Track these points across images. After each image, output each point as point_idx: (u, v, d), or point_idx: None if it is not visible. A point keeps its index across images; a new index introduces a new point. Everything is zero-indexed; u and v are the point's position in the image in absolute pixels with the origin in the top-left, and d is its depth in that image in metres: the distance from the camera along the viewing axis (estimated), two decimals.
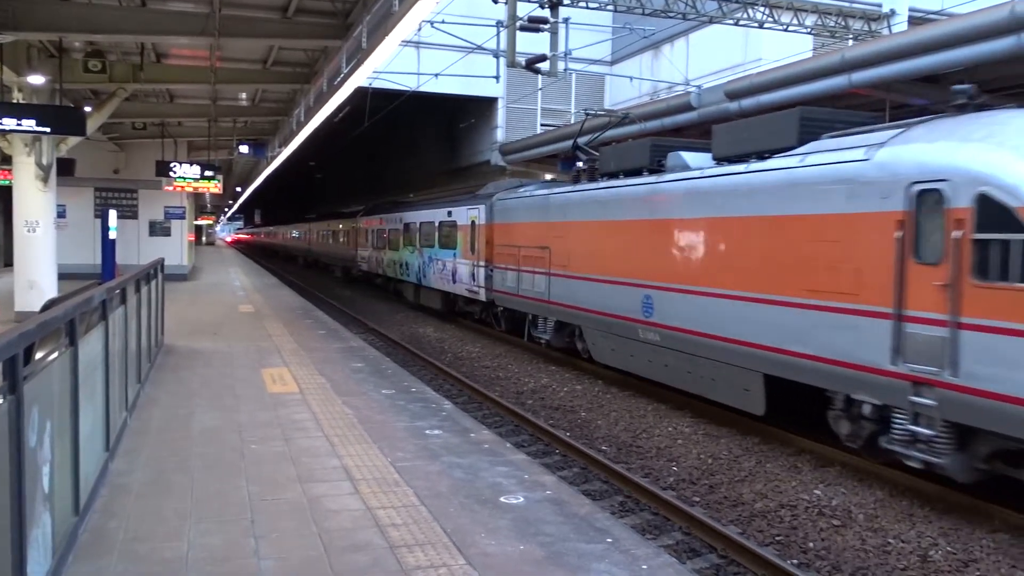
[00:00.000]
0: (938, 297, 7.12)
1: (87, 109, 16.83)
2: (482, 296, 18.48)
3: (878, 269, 7.76)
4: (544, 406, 12.23)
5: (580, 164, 15.33)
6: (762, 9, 19.03)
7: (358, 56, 12.74)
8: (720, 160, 10.70)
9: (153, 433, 7.30)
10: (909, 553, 6.71)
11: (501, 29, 17.70)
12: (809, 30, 19.75)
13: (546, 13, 16.12)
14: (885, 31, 20.04)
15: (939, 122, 7.87)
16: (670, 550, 6.70)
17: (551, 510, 5.49)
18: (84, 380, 4.94)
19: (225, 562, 4.50)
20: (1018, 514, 7.14)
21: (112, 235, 23.35)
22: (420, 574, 4.38)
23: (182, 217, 28.08)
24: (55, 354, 4.40)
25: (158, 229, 27.57)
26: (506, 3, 16.43)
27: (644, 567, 4.60)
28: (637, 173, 12.56)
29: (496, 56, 18.78)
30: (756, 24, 19.26)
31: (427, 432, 7.56)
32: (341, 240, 37.68)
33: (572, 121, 28.95)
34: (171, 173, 23.97)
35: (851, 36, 19.90)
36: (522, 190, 17.47)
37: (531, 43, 17.11)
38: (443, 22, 18.53)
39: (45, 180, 15.71)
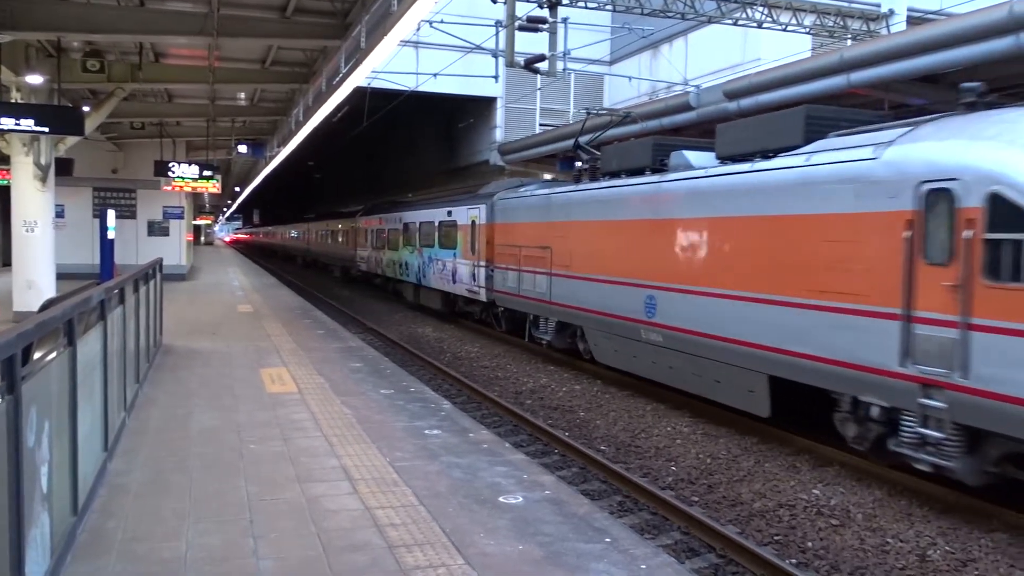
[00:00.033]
0: (948, 298, 7.01)
1: (85, 109, 16.80)
2: (482, 296, 18.41)
3: (886, 269, 7.65)
4: (543, 406, 12.23)
5: (579, 164, 15.32)
6: (761, 9, 19.04)
7: (357, 56, 12.74)
8: (724, 159, 10.60)
9: (151, 433, 7.30)
10: (908, 552, 6.72)
11: (500, 29, 17.72)
12: (808, 30, 19.76)
13: (545, 13, 16.13)
14: (884, 31, 20.06)
15: (948, 120, 7.76)
16: (669, 550, 6.70)
17: (550, 510, 5.49)
18: (82, 380, 4.93)
19: (224, 562, 4.49)
20: (1017, 514, 7.15)
21: (110, 235, 23.31)
22: (419, 574, 4.38)
23: (180, 217, 28.06)
24: (53, 354, 4.40)
25: (156, 229, 27.55)
26: (505, 3, 16.43)
27: (643, 567, 4.60)
28: (639, 172, 12.48)
29: (495, 56, 18.81)
30: (755, 24, 19.27)
31: (426, 432, 7.56)
32: (340, 240, 37.66)
33: (571, 121, 28.97)
34: (169, 173, 23.94)
35: (850, 36, 19.92)
36: (523, 190, 17.39)
37: (530, 43, 17.12)
38: (442, 22, 18.56)
39: (43, 180, 15.70)
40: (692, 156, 11.33)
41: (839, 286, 8.21)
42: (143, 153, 26.16)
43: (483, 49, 19.37)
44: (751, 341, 9.46)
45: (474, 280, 18.90)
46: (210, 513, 5.25)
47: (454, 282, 20.40)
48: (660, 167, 12.02)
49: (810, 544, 7.00)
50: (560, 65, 16.67)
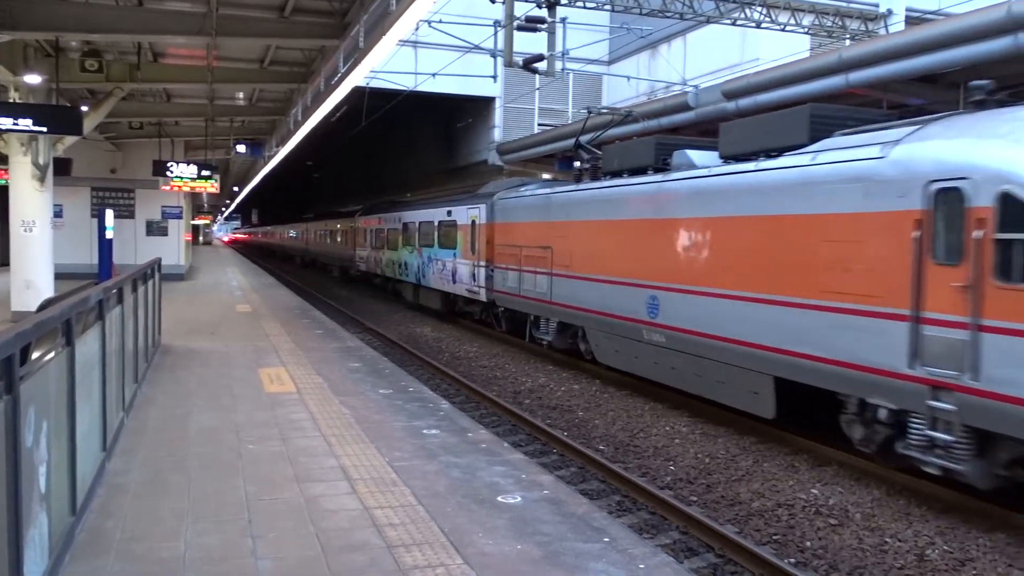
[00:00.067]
0: (958, 299, 6.90)
1: (84, 109, 16.78)
2: (482, 296, 18.35)
3: (894, 270, 7.53)
4: (541, 405, 12.23)
5: (578, 164, 15.31)
6: (759, 9, 19.05)
7: (355, 56, 12.73)
8: (727, 158, 10.52)
9: (150, 433, 7.30)
10: (906, 552, 6.72)
11: (498, 29, 17.71)
12: (806, 30, 19.77)
13: (543, 13, 16.12)
14: (882, 31, 20.07)
15: (957, 119, 7.66)
16: (667, 549, 6.71)
17: (548, 509, 5.49)
18: (81, 380, 4.93)
19: (222, 562, 4.49)
20: (1015, 513, 7.15)
21: (109, 235, 23.32)
22: (418, 574, 4.38)
23: (179, 217, 28.04)
24: (52, 354, 4.40)
25: (155, 229, 27.52)
26: (503, 3, 16.44)
27: (641, 566, 4.61)
28: (642, 172, 12.40)
29: (493, 56, 18.81)
30: (753, 24, 19.28)
31: (424, 432, 7.56)
32: (339, 240, 37.64)
33: (569, 121, 28.97)
34: (168, 173, 23.92)
35: (848, 36, 19.93)
36: (523, 189, 17.31)
37: (528, 43, 17.11)
38: (440, 21, 18.57)
39: (42, 180, 15.68)
40: (695, 155, 11.24)
41: (846, 287, 8.10)
42: (141, 153, 26.14)
43: (482, 49, 19.38)
44: (755, 342, 9.35)
45: (474, 280, 18.84)
46: (209, 513, 5.25)
47: (454, 282, 20.35)
48: (663, 166, 11.94)
49: (808, 544, 7.00)
50: (559, 65, 16.67)
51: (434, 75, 22.55)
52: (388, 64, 19.99)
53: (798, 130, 9.31)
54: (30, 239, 15.65)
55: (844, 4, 20.98)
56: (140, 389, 8.98)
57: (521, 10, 16.67)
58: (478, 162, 30.92)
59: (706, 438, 10.08)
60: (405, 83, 23.79)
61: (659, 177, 11.62)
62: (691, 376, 10.75)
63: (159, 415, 7.98)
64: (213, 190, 25.87)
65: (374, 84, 23.07)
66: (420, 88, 23.60)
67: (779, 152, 9.48)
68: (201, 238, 70.83)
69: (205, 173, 24.27)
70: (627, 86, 27.75)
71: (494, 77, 20.98)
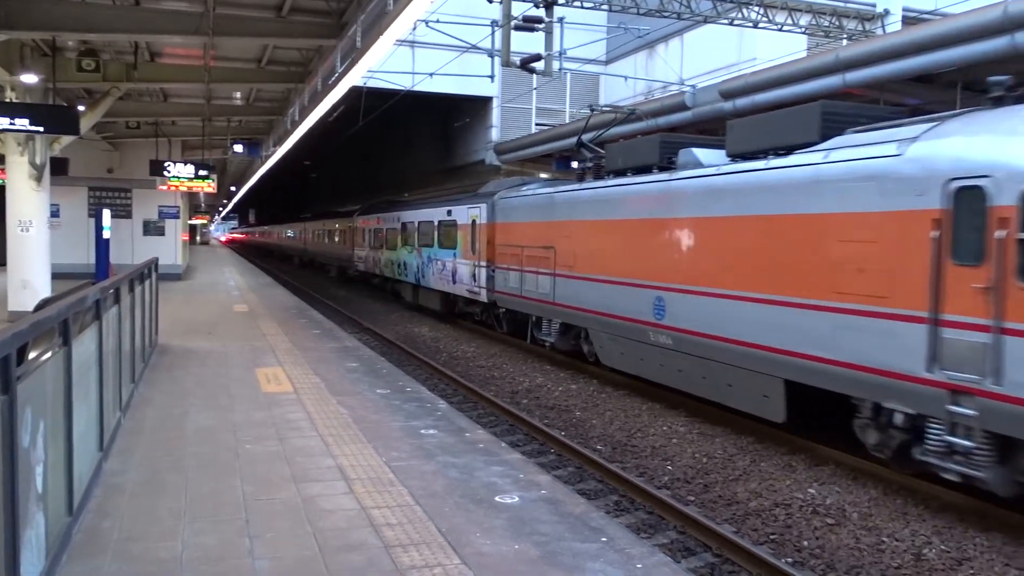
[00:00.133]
0: (979, 300, 6.69)
1: (80, 108, 16.75)
2: (483, 297, 18.22)
3: (912, 270, 7.31)
4: (539, 405, 12.23)
5: (576, 164, 15.28)
6: (757, 9, 19.06)
7: (352, 55, 12.72)
8: (735, 157, 10.33)
9: (147, 433, 7.29)
10: (903, 551, 6.73)
11: (496, 28, 17.71)
12: (804, 30, 19.78)
13: (541, 12, 16.12)
14: (879, 31, 20.09)
15: (976, 115, 7.44)
16: (665, 549, 6.71)
17: (546, 509, 5.49)
18: (78, 380, 4.92)
19: (220, 562, 4.49)
20: (1012, 513, 7.16)
21: (106, 235, 23.27)
22: (415, 574, 4.38)
23: (176, 216, 28.00)
24: (48, 354, 4.39)
25: (152, 228, 27.49)
26: (501, 2, 16.43)
27: (639, 566, 4.61)
28: (646, 171, 12.18)
29: (491, 55, 18.80)
30: (751, 24, 19.29)
31: (422, 432, 7.56)
32: (337, 240, 37.60)
33: (567, 120, 28.99)
34: (165, 172, 23.92)
35: (845, 36, 19.95)
36: (525, 188, 17.15)
37: (526, 42, 17.10)
38: (438, 21, 18.56)
39: (38, 179, 15.66)
40: (701, 154, 11.05)
41: (861, 288, 7.89)
42: (139, 152, 26.11)
43: (479, 49, 19.39)
44: (765, 344, 9.14)
45: (475, 280, 18.74)
46: (206, 513, 5.25)
47: (454, 282, 20.26)
48: (668, 165, 11.74)
49: (806, 543, 7.01)
50: (556, 65, 16.65)
51: (431, 75, 22.55)
52: (385, 64, 19.96)
53: (809, 128, 9.09)
54: (27, 239, 15.63)
55: (841, 4, 21.00)
56: (137, 389, 8.97)
57: (518, 10, 16.68)
58: (475, 162, 30.93)
59: (704, 438, 10.08)
60: (402, 83, 23.78)
61: (665, 176, 11.38)
62: (698, 379, 10.56)
63: (156, 415, 7.97)
64: (210, 190, 25.87)
65: (371, 84, 23.07)
66: (417, 88, 23.61)
67: (789, 150, 9.29)
68: (198, 238, 70.71)
69: (202, 173, 24.27)
70: (624, 86, 27.76)
71: (491, 77, 20.96)
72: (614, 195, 12.66)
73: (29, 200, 15.61)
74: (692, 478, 8.76)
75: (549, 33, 16.11)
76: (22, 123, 13.37)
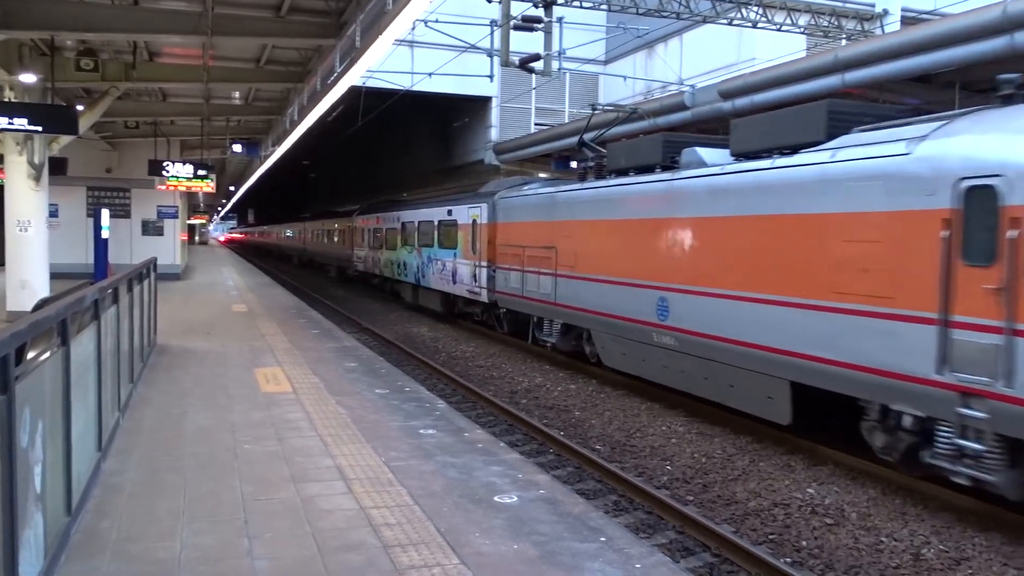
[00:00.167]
0: (990, 301, 6.57)
1: (79, 108, 16.74)
2: (484, 297, 18.14)
3: (921, 271, 7.20)
4: (538, 405, 12.23)
5: (574, 164, 15.26)
6: (756, 9, 19.07)
7: (351, 55, 12.72)
8: (739, 156, 10.22)
9: (146, 433, 7.28)
10: (902, 551, 6.74)
11: (495, 28, 17.71)
12: (802, 30, 19.80)
13: (540, 12, 16.13)
14: (878, 31, 20.11)
15: (985, 113, 7.34)
16: (664, 549, 6.71)
17: (545, 509, 5.49)
18: (76, 380, 4.92)
19: (218, 562, 4.49)
20: (1010, 513, 7.16)
21: (104, 234, 23.26)
22: (414, 574, 4.38)
23: (175, 216, 27.99)
24: (47, 354, 4.39)
25: (151, 228, 27.47)
26: (500, 2, 16.44)
27: (638, 566, 4.61)
28: (649, 170, 12.07)
29: (490, 55, 18.80)
30: (750, 24, 19.31)
31: (421, 432, 7.55)
32: (336, 240, 37.58)
33: (566, 120, 29.00)
34: (164, 172, 23.91)
35: (844, 36, 19.96)
36: (526, 188, 17.05)
37: (525, 42, 17.10)
38: (437, 21, 18.55)
39: (37, 179, 15.66)
40: (705, 153, 10.97)
41: (868, 288, 7.78)
42: (137, 152, 26.10)
43: (478, 48, 19.38)
44: (771, 345, 9.02)
45: (475, 281, 18.66)
46: (205, 513, 5.25)
47: (454, 283, 20.19)
48: (671, 164, 11.65)
49: (804, 543, 7.01)
50: (555, 65, 16.66)
51: (430, 75, 22.55)
52: (384, 64, 19.96)
53: (815, 127, 8.98)
54: (25, 239, 15.62)
55: (840, 4, 21.02)
56: (136, 389, 8.97)
57: (517, 10, 16.68)
58: (474, 161, 30.93)
59: (702, 438, 10.09)
60: (401, 83, 23.78)
61: (668, 175, 11.28)
62: (701, 380, 10.46)
63: (155, 415, 7.96)
64: (209, 190, 25.86)
65: (370, 84, 23.07)
66: (416, 88, 23.60)
67: (794, 149, 9.18)
68: (197, 238, 70.69)
69: (201, 173, 24.26)
70: (623, 86, 27.77)
71: (490, 77, 20.95)
72: (617, 195, 12.54)
73: (28, 200, 15.61)
74: (691, 478, 8.76)
75: (548, 33, 16.12)
76: (21, 123, 13.36)
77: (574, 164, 23.84)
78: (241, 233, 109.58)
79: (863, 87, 13.98)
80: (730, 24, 19.54)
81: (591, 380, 13.67)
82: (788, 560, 6.67)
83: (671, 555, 6.63)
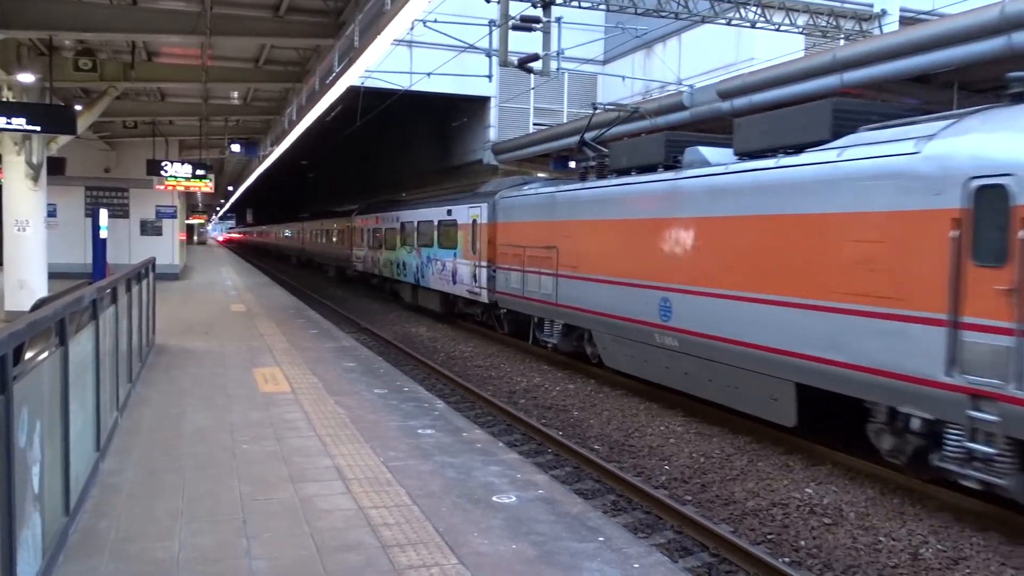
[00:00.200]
0: (1001, 302, 6.48)
1: (77, 108, 16.76)
2: (484, 298, 18.07)
3: (930, 271, 7.09)
4: (536, 405, 12.23)
5: (574, 163, 15.24)
6: (754, 9, 19.09)
7: (350, 55, 12.72)
8: (743, 155, 10.13)
9: (144, 433, 7.28)
10: (900, 551, 6.74)
11: (494, 28, 17.71)
12: (801, 30, 19.82)
13: (538, 12, 16.14)
14: (876, 31, 20.13)
15: (995, 112, 7.21)
16: (662, 548, 6.71)
17: (543, 509, 5.49)
18: (74, 380, 4.92)
19: (217, 562, 4.49)
20: (1008, 512, 7.17)
21: (103, 234, 23.26)
22: (413, 573, 4.38)
23: (173, 216, 27.97)
24: (45, 354, 4.38)
25: (149, 228, 27.45)
26: (499, 2, 16.45)
27: (636, 566, 4.61)
28: (651, 169, 11.95)
29: (489, 55, 18.79)
30: (748, 24, 19.32)
31: (419, 431, 7.55)
32: (335, 240, 37.56)
33: (565, 120, 29.01)
34: (162, 172, 23.89)
35: (842, 36, 19.99)
36: (527, 188, 16.97)
37: (523, 42, 17.11)
38: (435, 21, 18.54)
39: (35, 179, 15.65)
40: (708, 152, 10.88)
41: (876, 289, 7.67)
42: (136, 152, 26.09)
43: (477, 48, 19.37)
44: (776, 347, 8.92)
45: (475, 281, 18.60)
46: (203, 513, 5.24)
47: (454, 283, 20.14)
48: (673, 164, 11.56)
49: (803, 543, 7.02)
50: (554, 64, 16.68)
51: (429, 75, 22.54)
52: (383, 63, 19.94)
53: (820, 125, 8.89)
54: (24, 239, 15.62)
55: (838, 4, 21.05)
56: (134, 389, 8.96)
57: (516, 9, 16.69)
58: (473, 161, 30.93)
59: (701, 437, 10.09)
60: (400, 83, 23.77)
61: (672, 174, 11.18)
62: (704, 381, 10.37)
63: (153, 415, 7.96)
64: (207, 190, 25.83)
65: (369, 83, 23.06)
66: (415, 88, 23.59)
67: (799, 149, 9.09)
68: (196, 238, 70.69)
69: (199, 172, 24.24)
70: (622, 86, 27.77)
71: (489, 77, 20.95)
72: (619, 194, 12.44)
73: (26, 200, 15.61)
74: (689, 478, 8.76)
75: (547, 33, 16.13)
76: (19, 122, 13.35)
77: (572, 164, 23.85)
78: (240, 233, 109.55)
79: (861, 87, 14.00)
80: (728, 24, 19.56)
81: (589, 380, 13.67)
82: (786, 560, 6.67)
83: (669, 555, 6.64)
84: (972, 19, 11.90)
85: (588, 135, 15.32)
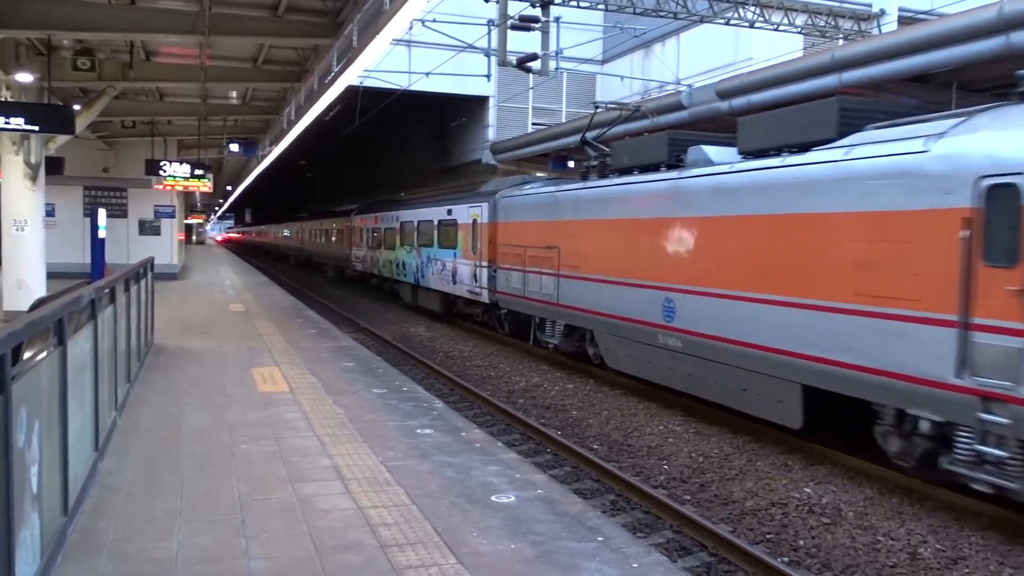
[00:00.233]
0: (1013, 303, 6.40)
1: (76, 107, 16.74)
2: (485, 298, 18.01)
3: (939, 272, 7.00)
4: (535, 405, 12.23)
5: (572, 163, 15.21)
6: (753, 9, 19.09)
7: (349, 55, 12.72)
8: (747, 154, 10.03)
9: (143, 433, 7.27)
10: (899, 551, 6.75)
11: (492, 28, 17.71)
12: (799, 30, 19.83)
13: (537, 12, 16.13)
14: (875, 31, 20.15)
15: (1006, 110, 7.11)
16: (661, 548, 6.71)
17: (542, 509, 5.49)
18: (73, 380, 4.91)
19: (215, 562, 4.48)
20: (1006, 511, 7.18)
21: (101, 234, 23.24)
22: (411, 573, 4.37)
23: (172, 216, 27.96)
24: (44, 354, 4.38)
25: (148, 228, 27.43)
26: (497, 2, 16.45)
27: (635, 565, 4.61)
28: (654, 168, 11.87)
29: (487, 55, 18.79)
30: (747, 24, 19.33)
31: (418, 431, 7.55)
32: (334, 239, 37.54)
33: (564, 120, 29.00)
34: (161, 172, 23.88)
35: (841, 36, 20.00)
36: (527, 187, 16.91)
37: (522, 42, 17.10)
38: (434, 21, 18.53)
39: (34, 179, 15.64)
40: (711, 151, 10.81)
41: (884, 290, 7.58)
42: (134, 152, 26.07)
43: (475, 48, 19.36)
44: (782, 348, 8.83)
45: (475, 281, 18.54)
46: (202, 513, 5.24)
47: (454, 283, 20.08)
48: (676, 163, 11.47)
49: (802, 542, 7.02)
50: (552, 64, 16.67)
51: (428, 74, 22.52)
52: (382, 63, 19.93)
53: (826, 124, 8.79)
54: (22, 238, 15.61)
55: (837, 4, 21.05)
56: (133, 389, 8.96)
57: (515, 9, 16.68)
58: (472, 161, 30.92)
59: (700, 437, 10.09)
60: (399, 82, 23.76)
61: (675, 173, 11.07)
62: (709, 383, 10.28)
63: (152, 415, 7.95)
64: (206, 189, 25.81)
65: (368, 83, 23.03)
66: (414, 87, 23.57)
67: (804, 147, 9.00)
68: (194, 237, 70.68)
69: (198, 172, 24.22)
70: (621, 85, 27.77)
71: (488, 76, 20.96)
72: (622, 193, 12.35)
73: (24, 199, 15.59)
74: (688, 477, 8.77)
75: (545, 33, 16.13)
76: (17, 122, 13.34)
77: (571, 164, 23.86)
78: (238, 233, 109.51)
79: (860, 87, 14.00)
80: (727, 24, 19.56)
81: (588, 380, 13.67)
82: (785, 559, 6.68)
83: (668, 554, 6.64)
84: (970, 19, 11.90)
85: (589, 134, 15.25)
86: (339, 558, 4.55)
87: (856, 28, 20.42)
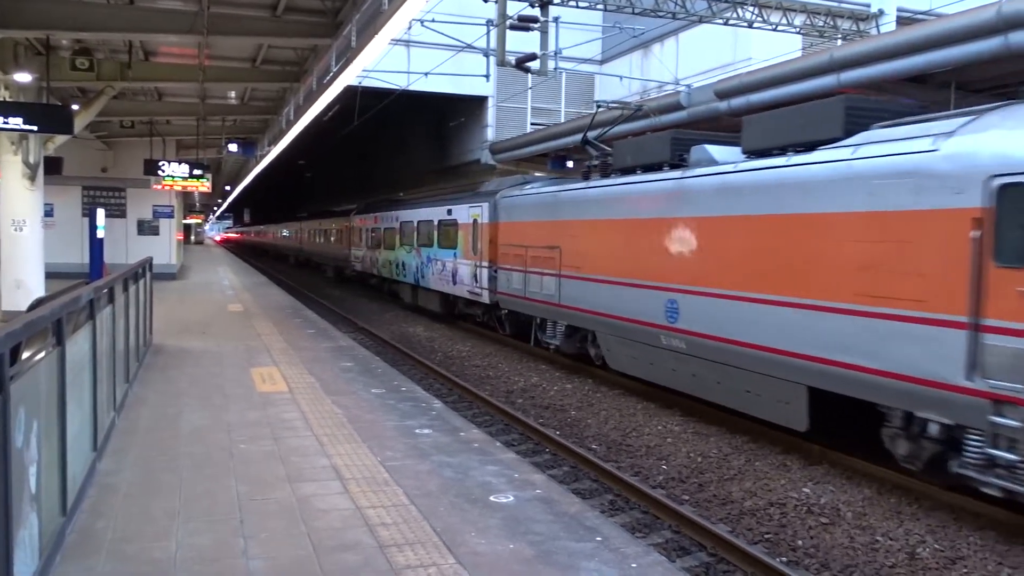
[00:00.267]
0: None
1: (75, 107, 16.73)
2: (485, 298, 17.96)
3: (949, 272, 6.91)
4: (534, 405, 12.23)
5: (571, 163, 15.19)
6: (751, 9, 19.10)
7: (348, 55, 12.72)
8: (751, 153, 9.91)
9: (141, 433, 7.27)
10: (897, 550, 6.75)
11: (491, 28, 17.71)
12: (798, 30, 19.84)
13: (536, 12, 16.13)
14: (873, 31, 20.16)
15: (1016, 108, 7.03)
16: (660, 548, 6.72)
17: (541, 509, 5.49)
18: (72, 380, 4.91)
19: (214, 562, 4.48)
20: (1005, 512, 7.18)
21: (100, 234, 23.24)
22: (410, 573, 4.38)
23: (171, 216, 27.95)
24: (42, 354, 4.38)
25: (146, 228, 27.43)
26: (496, 2, 16.44)
27: (634, 565, 4.61)
28: (656, 168, 11.77)
29: (486, 55, 18.77)
30: (745, 24, 19.33)
31: (417, 431, 7.55)
32: (333, 239, 37.52)
33: (563, 120, 29.01)
34: (159, 172, 23.88)
35: (840, 36, 20.01)
36: (528, 187, 16.85)
37: (521, 42, 17.09)
38: (433, 21, 18.54)
39: (32, 179, 15.63)
40: (715, 150, 10.72)
41: (891, 291, 7.49)
42: (133, 152, 26.07)
43: (474, 48, 19.36)
44: (787, 349, 8.73)
45: (476, 281, 18.49)
46: (200, 513, 5.24)
47: (454, 283, 20.03)
48: (679, 162, 11.36)
49: (800, 542, 7.03)
50: (551, 64, 16.66)
51: (427, 74, 22.52)
52: (381, 63, 19.94)
53: (832, 123, 8.69)
54: (20, 238, 15.60)
55: (836, 4, 21.06)
56: (131, 389, 8.95)
57: (514, 9, 16.68)
58: (471, 161, 30.91)
59: (698, 437, 10.10)
60: (398, 82, 23.76)
61: (679, 173, 10.97)
62: (713, 384, 10.19)
63: (150, 415, 7.95)
64: (205, 189, 25.84)
65: (367, 83, 23.03)
66: (413, 87, 23.58)
67: (810, 146, 8.91)
68: (193, 237, 70.67)
69: (197, 172, 24.23)
70: (620, 85, 27.75)
71: (487, 76, 20.99)
72: (624, 193, 12.27)
73: (23, 199, 15.59)
74: (687, 477, 8.77)
75: (544, 33, 16.13)
76: (16, 122, 13.33)
77: (570, 164, 23.86)
78: (237, 233, 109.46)
79: (859, 87, 14.01)
80: (726, 24, 19.57)
81: (587, 380, 13.67)
82: (784, 559, 6.68)
83: (667, 554, 6.64)
84: (969, 19, 11.91)
85: (591, 134, 15.21)
86: (338, 558, 4.55)
87: (855, 28, 20.44)
